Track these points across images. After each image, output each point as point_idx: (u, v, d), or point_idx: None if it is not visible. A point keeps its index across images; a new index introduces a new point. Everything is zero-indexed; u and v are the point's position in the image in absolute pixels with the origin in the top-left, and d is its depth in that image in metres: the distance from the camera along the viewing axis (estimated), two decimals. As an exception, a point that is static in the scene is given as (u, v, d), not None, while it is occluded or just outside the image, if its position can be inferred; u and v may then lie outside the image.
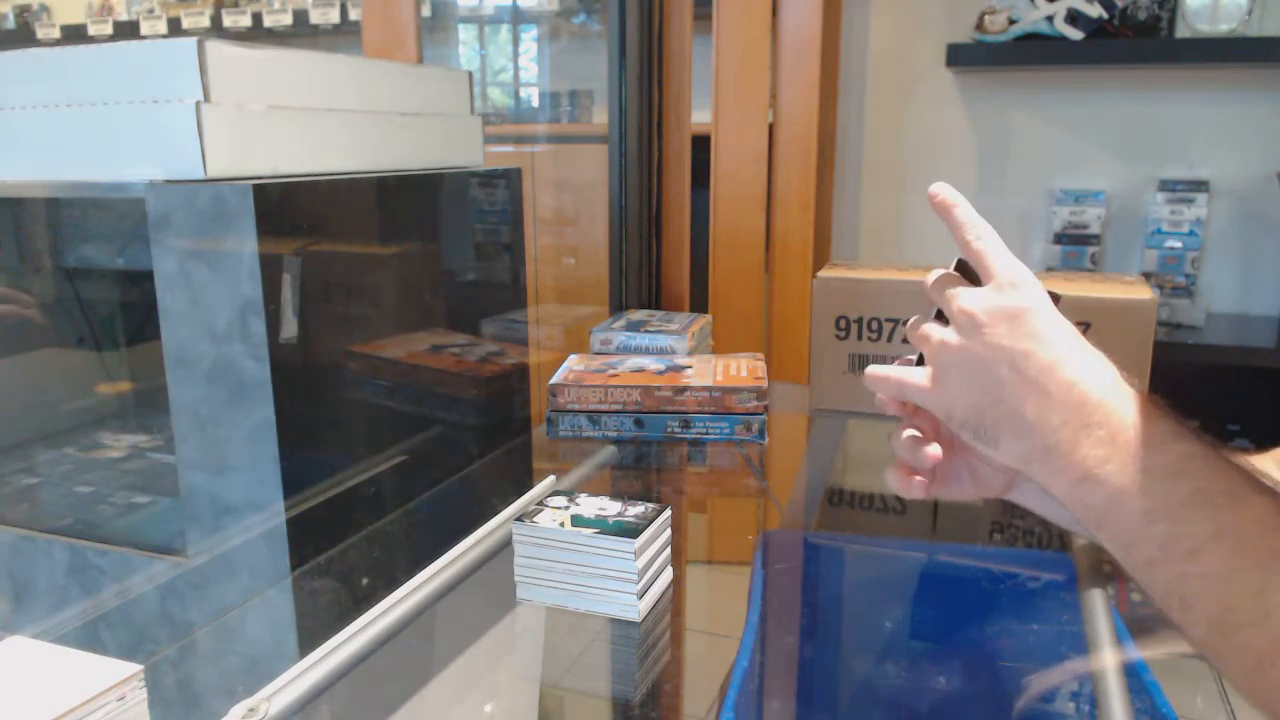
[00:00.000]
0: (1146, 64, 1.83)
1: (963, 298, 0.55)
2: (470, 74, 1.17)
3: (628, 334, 1.24)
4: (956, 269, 0.59)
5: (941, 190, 0.59)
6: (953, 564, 0.87)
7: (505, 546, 0.80)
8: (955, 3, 1.92)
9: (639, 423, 1.06)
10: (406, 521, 0.97)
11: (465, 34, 2.64)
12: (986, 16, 1.84)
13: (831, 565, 0.92)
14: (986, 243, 0.57)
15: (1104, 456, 0.49)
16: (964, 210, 0.59)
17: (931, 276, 0.59)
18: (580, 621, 0.72)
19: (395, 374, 0.97)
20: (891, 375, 0.60)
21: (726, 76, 1.55)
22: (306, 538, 0.84)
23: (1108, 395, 0.51)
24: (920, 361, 0.59)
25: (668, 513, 0.75)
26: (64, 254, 1.02)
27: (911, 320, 0.60)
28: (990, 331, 0.53)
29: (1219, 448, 0.48)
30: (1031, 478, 0.53)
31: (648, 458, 1.08)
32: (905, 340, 1.13)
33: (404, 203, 0.99)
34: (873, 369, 0.62)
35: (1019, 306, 0.53)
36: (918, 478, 0.60)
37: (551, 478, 0.96)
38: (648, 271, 1.56)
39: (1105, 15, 1.78)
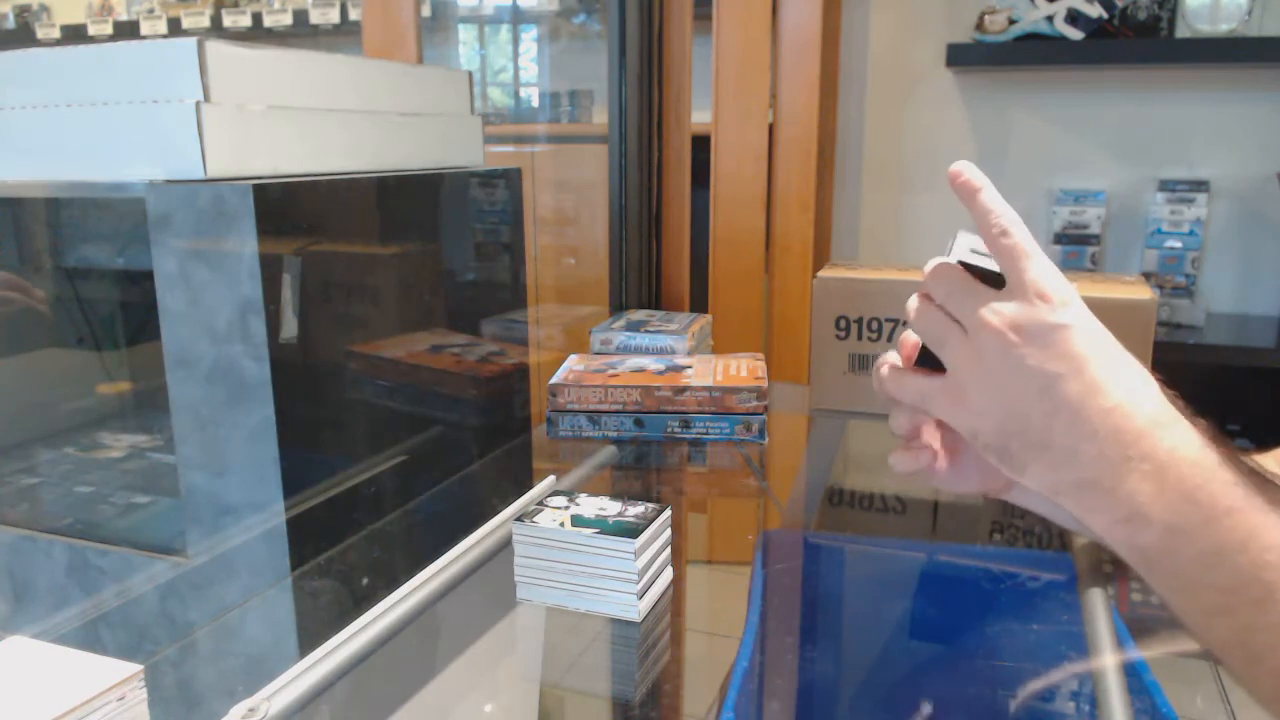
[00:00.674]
0: (1146, 64, 1.84)
1: (986, 308, 0.48)
2: (470, 74, 1.17)
3: (628, 334, 1.24)
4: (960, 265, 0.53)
5: (965, 170, 0.51)
6: (953, 564, 0.87)
7: (505, 546, 0.80)
8: (955, 3, 1.92)
9: (639, 423, 1.06)
10: (406, 521, 0.97)
11: (465, 34, 2.64)
12: (986, 16, 1.84)
13: (831, 565, 0.92)
14: (1017, 239, 0.49)
15: (1152, 492, 0.44)
16: (990, 196, 0.50)
17: (930, 266, 0.53)
18: (580, 621, 0.72)
19: (395, 374, 0.97)
20: (912, 383, 0.54)
21: (726, 76, 1.55)
22: (306, 538, 0.84)
23: (1153, 423, 0.45)
24: (922, 359, 0.56)
25: (668, 513, 0.75)
26: (64, 254, 1.02)
27: (921, 314, 0.53)
28: (1020, 351, 0.47)
29: (1266, 474, 0.44)
30: (1064, 510, 0.49)
31: (648, 458, 1.08)
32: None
33: (404, 203, 0.99)
34: (889, 370, 0.55)
35: (1053, 323, 0.47)
36: (924, 451, 0.55)
37: (551, 478, 0.96)
38: (648, 271, 1.56)
39: (1105, 15, 1.78)
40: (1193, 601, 0.44)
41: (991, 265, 0.51)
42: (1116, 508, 0.45)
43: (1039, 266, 0.48)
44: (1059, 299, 0.48)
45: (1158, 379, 0.48)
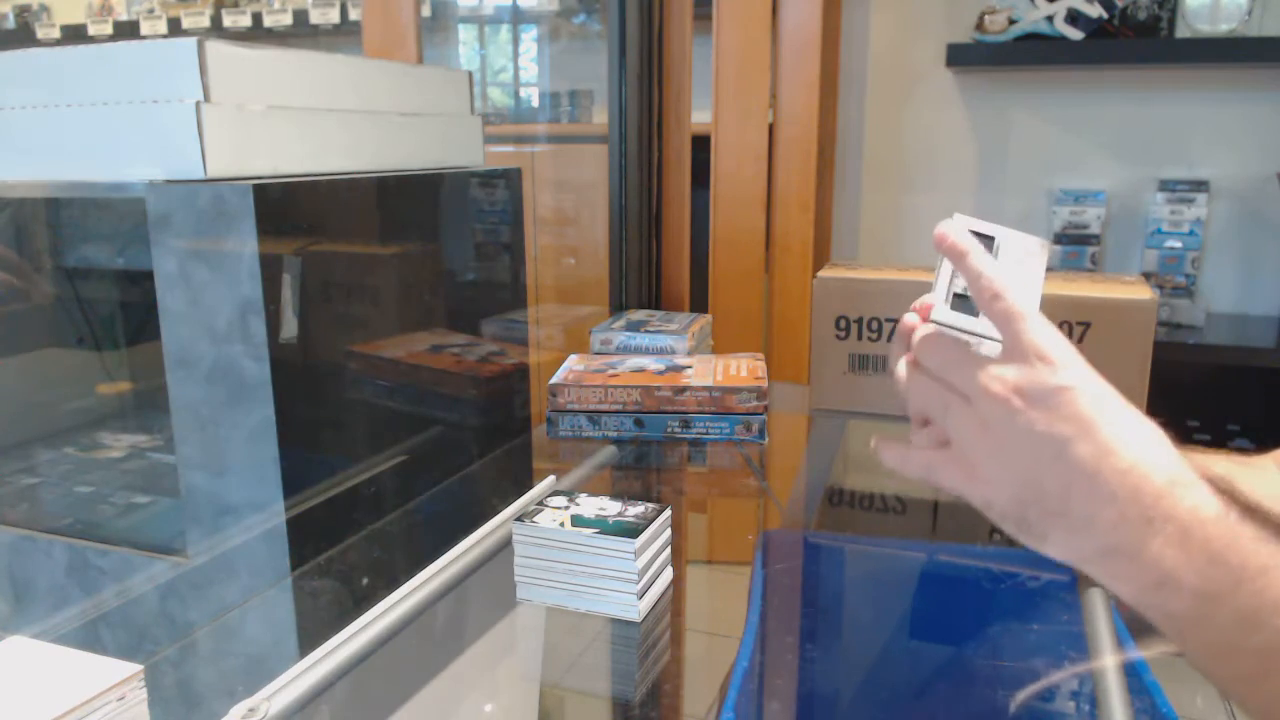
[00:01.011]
0: (1146, 64, 1.84)
1: (986, 375, 0.47)
2: (470, 74, 1.17)
3: (628, 334, 1.24)
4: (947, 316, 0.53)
5: (950, 232, 0.52)
6: (953, 564, 0.87)
7: (505, 546, 0.80)
8: (955, 3, 1.92)
9: (639, 423, 1.06)
10: (406, 521, 0.97)
11: (465, 34, 2.64)
12: (986, 16, 1.84)
13: (831, 565, 0.92)
14: (1010, 301, 0.48)
15: (1179, 556, 0.42)
16: (978, 259, 0.50)
17: (919, 335, 0.52)
18: (580, 621, 0.72)
19: (395, 374, 0.97)
20: (917, 459, 0.52)
21: (726, 76, 1.55)
22: (306, 538, 0.84)
23: (1171, 482, 0.43)
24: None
25: (668, 513, 0.75)
26: (64, 254, 1.02)
27: (916, 385, 0.52)
28: (1027, 416, 0.46)
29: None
30: (1104, 584, 0.47)
31: (648, 458, 1.08)
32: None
33: (404, 203, 0.99)
34: (887, 448, 0.54)
35: (1056, 385, 0.46)
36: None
37: (551, 478, 0.96)
38: (648, 271, 1.56)
39: (1105, 15, 1.78)
40: (1232, 668, 0.42)
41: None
42: (1143, 574, 0.43)
43: (1035, 327, 0.47)
44: (1059, 359, 0.47)
45: (1201, 467, 0.46)
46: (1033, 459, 0.46)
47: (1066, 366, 0.46)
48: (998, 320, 0.49)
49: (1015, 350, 0.47)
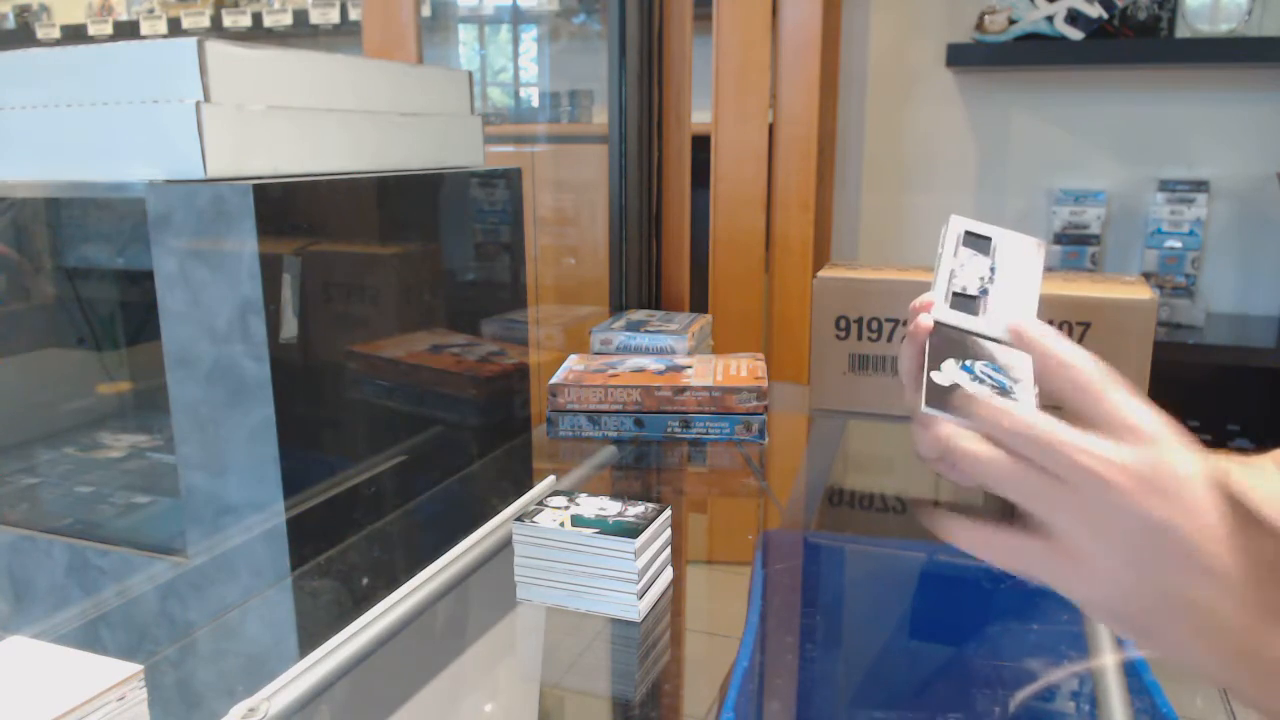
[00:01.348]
0: (1146, 64, 1.84)
1: (1082, 454, 0.42)
2: (470, 74, 1.17)
3: (628, 334, 1.24)
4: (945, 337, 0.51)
5: (1025, 327, 0.49)
6: (953, 564, 0.87)
7: (505, 546, 0.80)
8: (955, 3, 1.92)
9: (639, 423, 1.06)
10: (406, 521, 0.97)
11: (465, 34, 2.64)
12: (986, 16, 1.84)
13: (831, 565, 0.92)
14: (1101, 382, 0.44)
15: None
16: (1054, 339, 0.47)
17: (985, 407, 0.45)
18: (580, 621, 0.72)
19: (395, 374, 0.97)
20: (1002, 543, 0.46)
21: (726, 76, 1.55)
22: (306, 538, 0.84)
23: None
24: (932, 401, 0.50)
25: (668, 513, 0.75)
26: (64, 254, 1.02)
27: (1010, 473, 0.44)
28: (1135, 499, 0.40)
29: None
30: (1224, 687, 0.43)
31: (648, 458, 1.08)
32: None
33: (404, 203, 0.99)
34: (960, 529, 0.47)
35: (1171, 470, 0.41)
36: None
37: (551, 478, 0.96)
38: (648, 271, 1.56)
39: (1105, 15, 1.78)
40: None
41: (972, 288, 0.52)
42: (1274, 675, 0.39)
43: (1122, 399, 0.44)
44: (1151, 432, 0.42)
45: None
46: (1144, 546, 0.41)
47: (1161, 440, 0.42)
48: (1095, 400, 0.44)
49: (1107, 424, 0.43)
